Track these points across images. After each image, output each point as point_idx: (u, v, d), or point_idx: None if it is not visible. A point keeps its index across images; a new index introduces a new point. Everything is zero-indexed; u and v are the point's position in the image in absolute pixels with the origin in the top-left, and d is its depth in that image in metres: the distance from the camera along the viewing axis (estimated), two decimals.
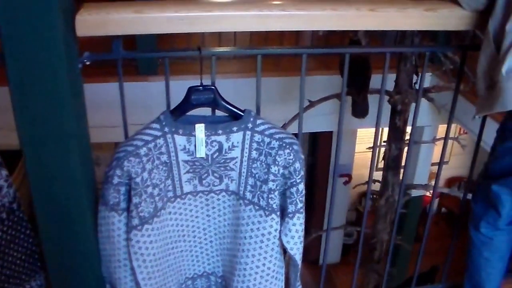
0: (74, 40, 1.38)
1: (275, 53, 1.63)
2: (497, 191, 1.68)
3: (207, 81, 1.49)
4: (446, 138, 1.95)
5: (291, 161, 1.49)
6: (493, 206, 1.72)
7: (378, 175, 4.03)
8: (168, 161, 1.50)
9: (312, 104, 3.61)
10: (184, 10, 1.38)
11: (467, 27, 1.54)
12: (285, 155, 1.48)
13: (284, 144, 1.49)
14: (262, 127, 1.50)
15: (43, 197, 1.48)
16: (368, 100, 3.51)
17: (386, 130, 3.85)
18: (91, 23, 1.36)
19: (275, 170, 1.50)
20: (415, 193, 5.01)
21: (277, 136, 1.50)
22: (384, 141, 3.90)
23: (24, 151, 1.40)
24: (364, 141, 7.67)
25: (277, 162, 1.49)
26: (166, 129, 1.47)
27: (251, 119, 1.50)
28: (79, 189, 1.48)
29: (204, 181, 1.56)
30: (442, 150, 1.93)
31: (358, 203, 8.98)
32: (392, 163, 3.75)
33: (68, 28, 1.32)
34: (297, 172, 1.50)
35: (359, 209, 8.82)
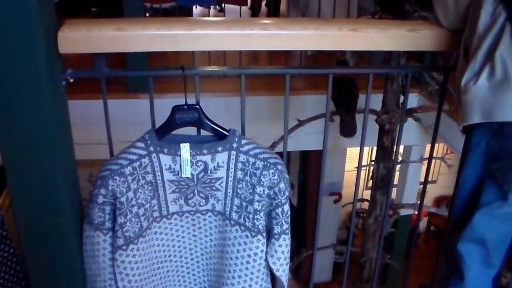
0: (57, 57, 1.38)
1: (258, 73, 1.63)
2: (462, 250, 1.50)
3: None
4: (430, 158, 1.96)
5: (276, 181, 1.49)
6: (457, 269, 1.53)
7: (367, 194, 4.05)
8: (153, 181, 1.50)
9: (301, 123, 3.63)
10: (166, 28, 1.38)
11: (449, 47, 1.55)
12: (269, 176, 1.49)
13: (268, 164, 1.49)
14: (247, 147, 1.51)
15: (26, 215, 1.48)
16: (356, 119, 3.53)
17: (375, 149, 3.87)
18: (73, 40, 1.36)
19: (260, 191, 1.50)
20: (403, 212, 5.00)
21: (261, 156, 1.50)
22: (372, 160, 3.91)
23: (6, 169, 1.39)
24: (354, 160, 7.68)
25: (262, 183, 1.49)
26: (151, 148, 1.47)
27: (236, 139, 1.50)
28: (63, 207, 1.48)
29: (190, 201, 1.56)
30: (427, 170, 1.94)
31: (348, 221, 8.96)
32: (380, 183, 3.76)
33: (50, 44, 1.33)
34: (282, 193, 1.51)
35: (350, 227, 8.78)
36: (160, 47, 1.38)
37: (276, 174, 1.49)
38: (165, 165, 1.50)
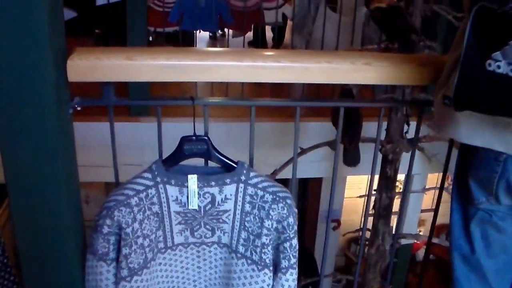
0: (65, 85, 1.37)
1: (268, 105, 1.62)
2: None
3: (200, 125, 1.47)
4: (441, 187, 1.93)
5: (284, 215, 1.47)
6: None
7: (370, 223, 4.02)
8: (159, 212, 1.48)
9: (303, 151, 3.60)
10: (175, 59, 1.37)
11: None
12: (278, 209, 1.47)
13: (277, 198, 1.47)
14: (255, 180, 1.48)
15: (28, 242, 1.46)
16: (359, 148, 3.50)
17: (376, 177, 3.84)
18: (82, 68, 1.35)
19: (269, 225, 1.48)
20: (404, 241, 4.97)
21: (270, 190, 1.48)
22: (374, 190, 3.88)
23: (10, 194, 1.38)
24: (354, 187, 7.68)
25: (270, 216, 1.47)
26: (158, 179, 1.45)
27: (244, 172, 1.48)
28: (66, 235, 1.46)
29: (196, 233, 1.53)
30: (438, 200, 1.91)
31: (346, 248, 8.92)
32: (383, 212, 3.72)
33: (59, 72, 1.31)
34: (290, 227, 1.48)
35: (348, 254, 8.76)
36: (169, 77, 1.36)
37: (285, 208, 1.47)
38: (172, 196, 1.47)
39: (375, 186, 3.85)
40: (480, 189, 1.53)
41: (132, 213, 1.43)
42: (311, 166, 4.56)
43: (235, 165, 1.48)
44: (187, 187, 1.46)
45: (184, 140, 1.45)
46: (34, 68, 1.25)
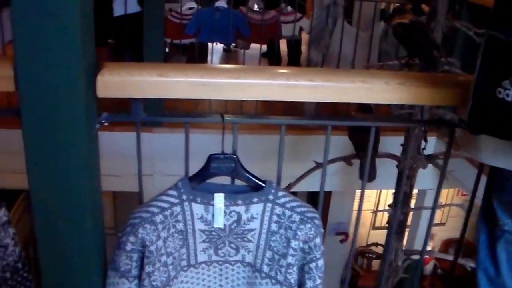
0: (93, 100, 1.35)
1: (299, 124, 1.59)
2: None
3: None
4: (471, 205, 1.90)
5: (312, 236, 1.44)
6: None
7: (377, 236, 3.99)
8: (184, 230, 1.45)
9: (318, 165, 3.57)
10: (209, 76, 1.34)
11: None
12: (306, 230, 1.44)
13: (305, 218, 1.44)
14: (283, 200, 1.46)
15: (50, 254, 1.44)
16: (376, 164, 3.47)
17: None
18: (112, 84, 1.32)
19: (295, 245, 1.45)
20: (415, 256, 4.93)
21: (298, 210, 1.45)
22: (388, 205, 3.85)
23: (33, 206, 1.36)
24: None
25: (297, 237, 1.44)
26: (184, 197, 1.43)
27: (272, 191, 1.45)
28: (88, 249, 1.44)
29: (219, 251, 1.51)
30: (465, 221, 1.87)
31: (354, 261, 8.89)
32: (397, 228, 3.69)
33: (89, 87, 1.29)
34: (317, 247, 1.46)
35: (355, 267, 8.73)
36: (202, 94, 1.33)
37: (313, 228, 1.44)
38: (197, 214, 1.45)
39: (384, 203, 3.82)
40: (504, 211, 1.51)
41: (156, 231, 1.40)
42: (326, 180, 4.53)
43: (263, 184, 1.46)
44: (213, 205, 1.44)
45: (212, 157, 1.43)
46: (65, 82, 1.23)
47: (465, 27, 3.28)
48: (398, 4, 5.17)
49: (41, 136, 1.29)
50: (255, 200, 1.45)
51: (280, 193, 1.46)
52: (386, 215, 4.05)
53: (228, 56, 7.03)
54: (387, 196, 7.56)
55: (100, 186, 1.48)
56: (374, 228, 9.44)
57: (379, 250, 6.07)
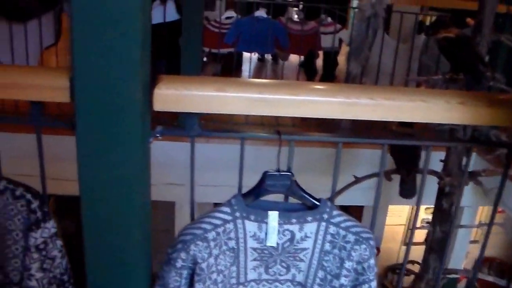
0: (149, 114, 1.32)
1: (357, 142, 1.56)
2: None
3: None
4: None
5: (366, 257, 1.41)
6: None
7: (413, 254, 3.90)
8: (235, 247, 1.43)
9: (357, 180, 3.53)
10: (268, 92, 1.31)
11: None
12: (361, 250, 1.41)
13: (360, 239, 1.41)
14: (338, 219, 1.43)
15: (96, 269, 1.42)
16: (416, 180, 3.42)
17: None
18: (169, 98, 1.30)
19: (349, 265, 1.42)
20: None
21: (353, 230, 1.42)
22: (427, 222, 3.79)
23: (83, 219, 1.34)
24: (394, 214, 7.59)
25: (351, 257, 1.41)
26: (237, 214, 1.40)
27: (327, 210, 1.42)
28: (137, 264, 1.42)
29: (270, 270, 1.47)
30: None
31: (384, 277, 8.77)
32: (436, 246, 3.62)
33: (145, 100, 1.27)
34: (371, 269, 1.42)
35: (385, 284, 8.61)
36: (261, 111, 1.31)
37: (367, 249, 1.41)
38: (250, 232, 1.42)
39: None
40: None
41: (208, 248, 1.37)
42: (358, 194, 4.49)
43: (318, 203, 1.43)
44: (267, 223, 1.41)
45: (267, 174, 1.40)
46: (122, 95, 1.21)
47: (509, 41, 3.23)
48: (436, 17, 5.12)
49: (95, 147, 1.28)
50: (309, 218, 1.42)
51: (335, 212, 1.43)
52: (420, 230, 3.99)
53: (262, 66, 6.99)
54: (420, 211, 7.47)
55: (150, 198, 1.46)
56: (404, 244, 9.33)
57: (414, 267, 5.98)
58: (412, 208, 8.52)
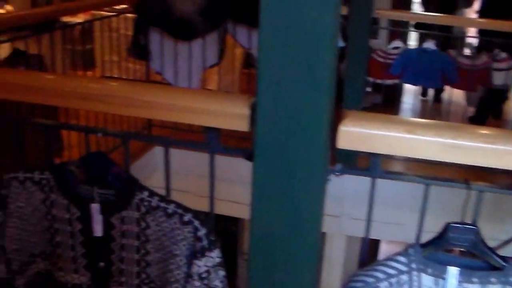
0: (330, 150, 1.25)
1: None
2: None
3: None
4: None
5: None
6: None
7: None
8: None
9: None
10: (463, 138, 1.18)
11: None
12: None
13: None
14: None
15: None
16: None
17: None
18: (354, 136, 1.22)
19: None
20: None
21: None
22: None
23: (251, 251, 1.31)
24: None
25: None
26: (413, 265, 1.30)
27: None
28: None
29: None
30: None
31: None
32: None
33: (327, 136, 1.20)
34: None
35: None
36: (452, 158, 1.18)
37: None
38: (425, 286, 1.31)
39: None
40: None
41: None
42: None
43: (504, 264, 1.29)
44: (445, 279, 1.29)
45: (451, 227, 1.29)
46: (306, 128, 1.16)
47: None
48: None
49: (272, 179, 1.23)
50: (492, 280, 1.29)
51: None
52: None
53: (424, 103, 6.70)
54: None
55: (320, 238, 1.39)
56: None
57: None
58: None
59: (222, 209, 3.49)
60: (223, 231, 7.30)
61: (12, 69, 2.33)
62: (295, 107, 1.15)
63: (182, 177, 3.54)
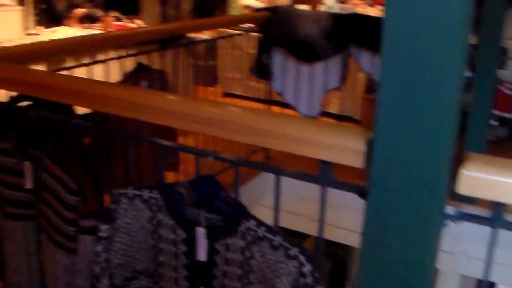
0: (448, 193, 1.15)
1: None
2: None
3: None
4: None
5: None
6: None
7: None
8: None
9: None
10: None
11: None
12: None
13: None
14: None
15: None
16: None
17: None
18: (477, 181, 1.10)
19: None
20: None
21: None
22: None
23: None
24: None
25: None
26: None
27: None
28: None
29: None
30: None
31: None
32: None
33: (448, 181, 1.12)
34: None
35: None
36: None
37: None
38: None
39: None
40: None
41: None
42: None
43: None
44: None
45: None
46: (426, 171, 1.09)
47: None
48: None
49: (385, 219, 1.17)
50: None
51: None
52: None
53: None
54: None
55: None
56: None
57: None
58: None
59: (331, 234, 3.44)
60: (332, 255, 7.22)
61: (132, 87, 2.37)
62: (414, 147, 1.08)
63: (294, 200, 3.51)
